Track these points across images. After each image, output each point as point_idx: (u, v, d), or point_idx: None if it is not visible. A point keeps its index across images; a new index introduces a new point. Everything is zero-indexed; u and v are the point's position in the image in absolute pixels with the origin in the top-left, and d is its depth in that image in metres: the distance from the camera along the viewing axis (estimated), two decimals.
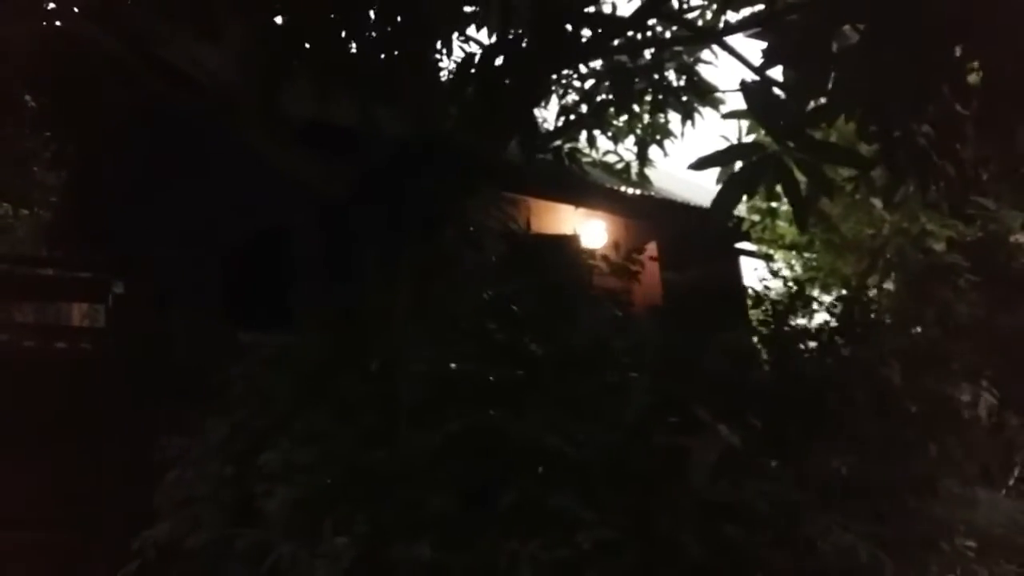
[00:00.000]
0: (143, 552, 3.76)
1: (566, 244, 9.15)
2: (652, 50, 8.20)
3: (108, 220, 9.23)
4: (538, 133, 7.29)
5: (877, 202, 7.35)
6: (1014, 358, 7.77)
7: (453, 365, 3.53)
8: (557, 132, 9.23)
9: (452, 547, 3.05)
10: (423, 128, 6.45)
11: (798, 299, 4.50)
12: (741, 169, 4.56)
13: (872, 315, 4.57)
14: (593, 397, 3.46)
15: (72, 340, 8.88)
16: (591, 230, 9.44)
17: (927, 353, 4.76)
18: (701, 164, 4.63)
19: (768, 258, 9.75)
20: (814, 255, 8.70)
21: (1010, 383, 7.46)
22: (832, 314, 4.57)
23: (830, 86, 4.51)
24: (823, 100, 4.77)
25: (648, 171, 9.88)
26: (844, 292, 7.88)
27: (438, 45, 7.00)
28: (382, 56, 6.31)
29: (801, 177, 4.64)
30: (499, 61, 5.95)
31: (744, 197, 8.66)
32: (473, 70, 5.82)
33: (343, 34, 6.22)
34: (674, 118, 9.05)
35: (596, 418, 3.29)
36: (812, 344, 4.32)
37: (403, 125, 6.65)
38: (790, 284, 6.07)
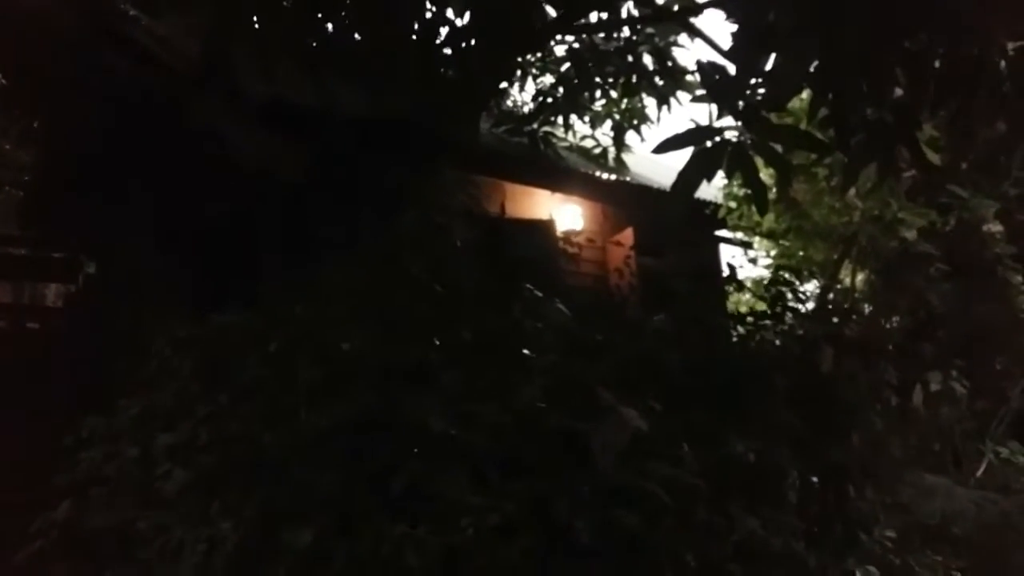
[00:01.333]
0: (44, 532, 3.70)
1: (539, 228, 9.04)
2: (626, 32, 8.09)
3: (80, 200, 9.15)
4: (479, 114, 7.19)
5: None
6: (985, 347, 7.66)
7: (345, 346, 3.45)
8: (532, 115, 9.14)
9: (338, 532, 2.98)
10: (383, 107, 6.37)
11: (729, 282, 4.40)
12: (700, 152, 4.48)
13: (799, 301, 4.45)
14: (498, 379, 3.37)
15: (43, 320, 8.87)
16: (567, 215, 9.32)
17: (864, 339, 4.66)
18: (663, 147, 4.54)
19: (747, 245, 9.65)
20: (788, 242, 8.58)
21: (981, 371, 7.34)
22: (763, 300, 4.48)
23: (769, 69, 4.42)
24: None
25: (626, 156, 9.81)
26: (816, 280, 7.77)
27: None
28: (354, 36, 6.23)
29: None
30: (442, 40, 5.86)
31: (724, 184, 8.60)
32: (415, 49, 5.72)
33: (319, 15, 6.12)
34: (651, 103, 8.96)
35: (494, 400, 3.20)
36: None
37: (364, 104, 6.57)
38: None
